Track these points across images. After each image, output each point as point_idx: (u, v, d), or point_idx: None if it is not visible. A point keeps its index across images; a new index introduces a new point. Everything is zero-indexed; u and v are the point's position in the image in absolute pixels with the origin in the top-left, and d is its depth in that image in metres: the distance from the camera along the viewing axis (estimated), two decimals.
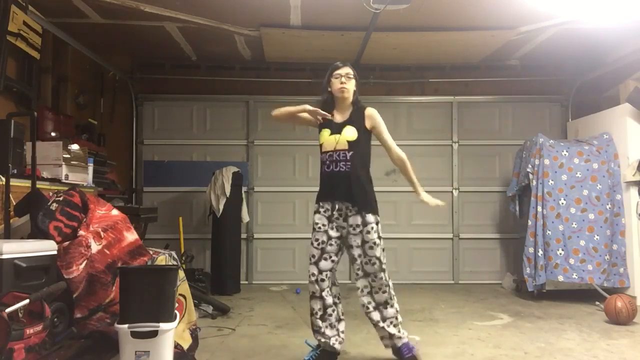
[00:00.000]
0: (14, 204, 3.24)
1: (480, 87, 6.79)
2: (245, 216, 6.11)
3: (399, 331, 3.25)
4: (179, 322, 2.96)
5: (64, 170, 4.07)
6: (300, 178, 6.69)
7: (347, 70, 3.30)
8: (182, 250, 5.61)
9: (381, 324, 3.24)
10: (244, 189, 6.25)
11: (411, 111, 6.75)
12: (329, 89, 3.35)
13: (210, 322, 4.42)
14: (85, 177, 4.46)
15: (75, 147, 4.37)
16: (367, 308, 3.25)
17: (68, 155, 4.17)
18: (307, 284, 3.30)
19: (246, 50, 6.21)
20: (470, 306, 5.18)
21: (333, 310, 3.27)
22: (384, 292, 3.22)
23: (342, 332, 3.32)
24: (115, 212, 3.29)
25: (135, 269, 2.94)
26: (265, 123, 6.75)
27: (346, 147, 3.20)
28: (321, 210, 3.26)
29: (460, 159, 6.76)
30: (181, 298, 3.25)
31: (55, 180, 3.96)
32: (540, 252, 5.33)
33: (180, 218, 5.80)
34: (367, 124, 3.28)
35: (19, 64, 4.58)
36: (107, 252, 3.03)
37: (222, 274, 5.77)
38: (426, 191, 3.35)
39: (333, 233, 3.23)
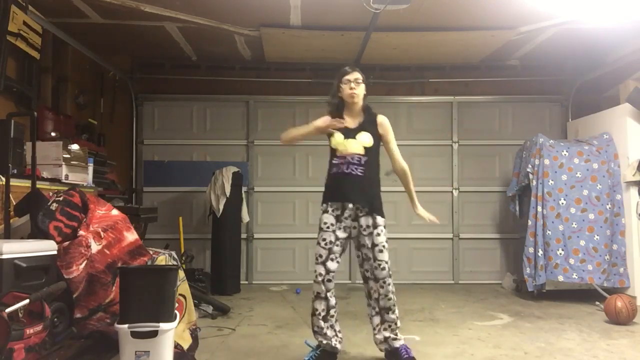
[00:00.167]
0: (14, 204, 3.24)
1: (480, 87, 6.79)
2: (245, 216, 6.11)
3: (397, 335, 3.28)
4: (179, 322, 2.96)
5: (64, 170, 4.07)
6: (300, 178, 6.69)
7: (355, 75, 3.30)
8: (182, 250, 5.61)
9: (381, 328, 3.26)
10: (244, 189, 6.25)
11: (411, 111, 6.76)
12: (339, 94, 3.35)
13: (210, 322, 4.41)
14: (85, 177, 4.46)
15: (75, 147, 4.37)
16: (371, 312, 3.32)
17: (68, 155, 4.17)
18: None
19: (246, 50, 6.21)
20: (470, 306, 5.18)
21: (335, 312, 3.29)
22: (390, 298, 3.24)
23: (340, 331, 3.35)
24: (115, 212, 3.29)
25: (135, 269, 2.94)
26: (265, 123, 6.75)
27: (362, 153, 3.24)
28: (329, 209, 3.26)
29: (460, 159, 6.76)
30: (181, 298, 3.25)
31: (55, 180, 3.96)
32: (540, 252, 5.33)
33: (180, 218, 5.80)
34: (379, 131, 3.32)
35: (19, 64, 4.58)
36: (107, 252, 3.03)
37: (222, 274, 5.77)
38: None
39: (340, 234, 3.24)
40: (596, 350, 3.63)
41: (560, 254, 5.28)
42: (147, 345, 2.60)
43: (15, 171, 3.42)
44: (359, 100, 3.31)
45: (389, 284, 3.22)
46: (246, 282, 6.52)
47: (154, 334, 2.60)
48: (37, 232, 3.00)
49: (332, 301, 3.26)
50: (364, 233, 3.22)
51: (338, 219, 3.24)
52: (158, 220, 5.39)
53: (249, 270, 6.62)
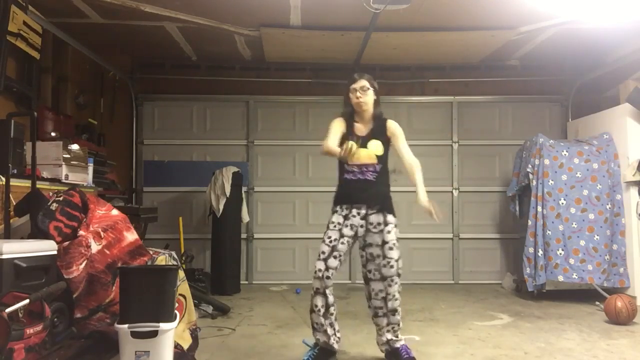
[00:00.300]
0: (14, 204, 3.24)
1: (480, 87, 6.79)
2: (245, 216, 6.11)
3: (397, 336, 3.29)
4: (179, 322, 2.96)
5: (64, 170, 4.07)
6: (300, 178, 6.69)
7: (362, 83, 3.30)
8: (182, 250, 5.61)
9: (384, 330, 3.26)
10: (244, 189, 6.25)
11: (411, 111, 6.76)
12: (350, 102, 3.36)
13: (210, 322, 4.42)
14: (85, 177, 4.46)
15: (75, 147, 4.37)
16: (377, 313, 3.27)
17: (68, 155, 4.17)
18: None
19: (246, 50, 6.21)
20: (470, 306, 5.18)
21: (334, 309, 3.29)
22: (397, 299, 3.24)
23: (339, 330, 3.34)
24: (115, 212, 3.29)
25: (135, 269, 2.94)
26: (265, 123, 6.76)
27: (375, 162, 3.26)
28: (338, 210, 3.28)
29: (460, 159, 6.76)
30: (181, 298, 3.25)
31: (55, 180, 3.96)
32: (540, 252, 5.33)
33: (180, 218, 5.80)
34: (388, 136, 3.33)
35: (19, 64, 4.58)
36: (107, 252, 3.03)
37: (222, 274, 5.77)
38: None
39: (347, 231, 3.24)
40: (596, 350, 3.63)
41: (560, 254, 5.28)
42: (147, 345, 2.60)
43: (15, 171, 3.42)
44: (368, 108, 3.32)
45: (396, 283, 3.21)
46: (246, 282, 6.52)
47: (154, 334, 2.60)
48: (37, 232, 3.00)
49: (331, 299, 3.25)
50: (374, 230, 3.22)
51: (346, 217, 3.25)
52: (158, 220, 5.40)
53: (249, 270, 6.62)
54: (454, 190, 6.72)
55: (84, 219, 3.10)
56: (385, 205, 3.26)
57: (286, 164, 6.73)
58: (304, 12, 5.01)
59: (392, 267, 3.19)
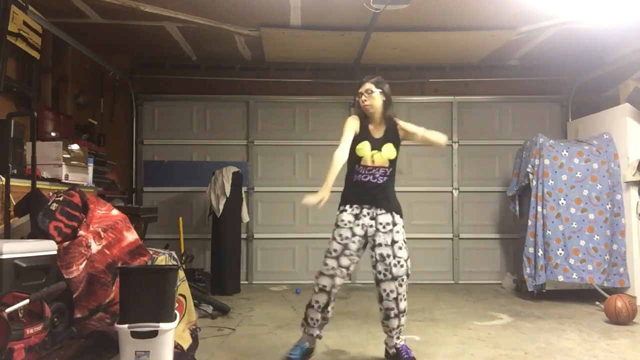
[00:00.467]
0: (14, 204, 3.24)
1: (480, 87, 6.79)
2: (245, 216, 6.11)
3: (399, 338, 3.29)
4: (179, 322, 2.96)
5: (64, 170, 4.07)
6: (300, 178, 6.69)
7: (367, 86, 3.31)
8: (182, 250, 5.61)
9: (394, 332, 3.24)
10: (244, 189, 6.25)
11: (411, 111, 6.75)
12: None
13: (210, 322, 4.41)
14: (85, 177, 4.45)
15: (75, 147, 4.37)
16: (389, 315, 3.22)
17: (68, 155, 4.16)
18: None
19: (246, 50, 6.21)
20: (470, 306, 5.18)
21: (332, 309, 3.30)
22: (406, 299, 3.24)
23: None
24: (115, 212, 3.29)
25: (135, 269, 2.94)
26: (265, 123, 6.76)
27: (387, 165, 3.28)
28: (348, 209, 3.28)
29: (460, 159, 6.77)
30: (181, 298, 3.25)
31: (55, 180, 3.96)
32: (540, 252, 5.33)
33: (180, 218, 5.80)
34: (401, 135, 3.34)
35: (19, 64, 4.57)
36: (107, 252, 3.03)
37: (222, 274, 5.77)
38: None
39: (358, 230, 3.24)
40: (596, 350, 3.63)
41: (560, 254, 5.28)
42: (147, 345, 2.59)
43: (15, 171, 3.42)
44: (375, 110, 3.32)
45: (406, 283, 3.22)
46: (246, 282, 6.52)
47: (154, 334, 2.60)
48: (37, 232, 3.00)
49: (333, 297, 3.26)
50: (383, 230, 3.22)
51: (357, 216, 3.26)
52: (158, 220, 5.39)
53: (249, 270, 6.62)
54: (454, 190, 6.72)
55: (84, 219, 3.10)
56: (393, 206, 3.28)
57: (286, 164, 6.73)
58: (304, 12, 5.01)
59: (402, 266, 3.19)
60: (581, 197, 5.38)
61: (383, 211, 3.25)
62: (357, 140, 3.28)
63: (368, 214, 3.26)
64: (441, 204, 6.71)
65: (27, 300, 2.43)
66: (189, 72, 6.73)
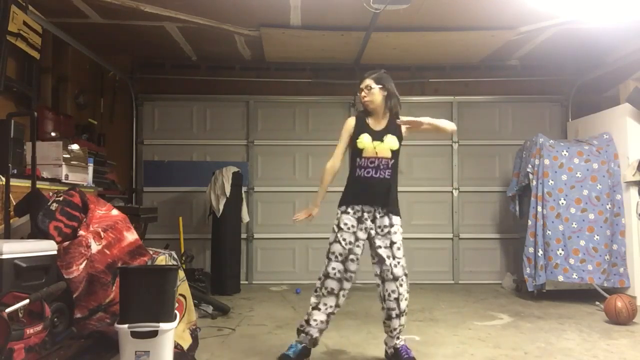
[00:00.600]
0: (14, 204, 3.24)
1: (480, 87, 6.79)
2: (245, 216, 6.10)
3: (398, 338, 3.29)
4: (179, 322, 2.96)
5: (64, 170, 4.07)
6: (300, 178, 6.69)
7: (366, 82, 3.32)
8: (182, 250, 5.61)
9: (395, 333, 3.24)
10: (244, 189, 6.25)
11: (411, 111, 6.67)
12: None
13: (210, 322, 4.41)
14: (85, 177, 4.45)
15: (75, 147, 4.37)
16: (390, 315, 3.22)
17: (68, 155, 4.16)
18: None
19: (246, 50, 6.21)
20: (470, 306, 5.18)
21: (336, 312, 3.30)
22: (406, 299, 3.24)
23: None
24: (115, 212, 3.29)
25: (135, 269, 2.94)
26: (265, 123, 6.76)
27: (389, 156, 3.27)
28: (350, 211, 3.26)
29: (460, 159, 6.76)
30: (181, 298, 3.25)
31: (55, 180, 3.96)
32: (540, 252, 5.33)
33: (180, 218, 5.80)
34: (404, 132, 3.34)
35: (19, 64, 4.58)
36: (107, 252, 3.03)
37: (222, 274, 5.77)
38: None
39: (361, 234, 3.25)
40: (596, 350, 3.63)
41: (560, 254, 5.28)
42: (147, 345, 2.60)
43: (15, 171, 3.41)
44: (374, 106, 3.32)
45: (406, 283, 3.23)
46: (246, 282, 6.51)
47: (154, 334, 2.60)
48: (37, 232, 3.00)
49: (342, 301, 3.26)
50: (381, 233, 3.23)
51: (360, 220, 3.25)
52: (158, 220, 5.39)
53: (249, 270, 6.62)
54: (454, 190, 6.72)
55: (84, 219, 3.10)
56: (393, 207, 3.27)
57: (286, 164, 6.73)
58: (304, 12, 5.01)
59: (402, 266, 3.22)
60: (581, 197, 5.38)
61: (382, 213, 3.25)
62: (355, 135, 3.30)
63: (369, 217, 3.25)
64: (441, 204, 6.71)
65: (27, 300, 2.43)
66: (189, 72, 6.72)
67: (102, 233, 3.06)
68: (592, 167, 5.43)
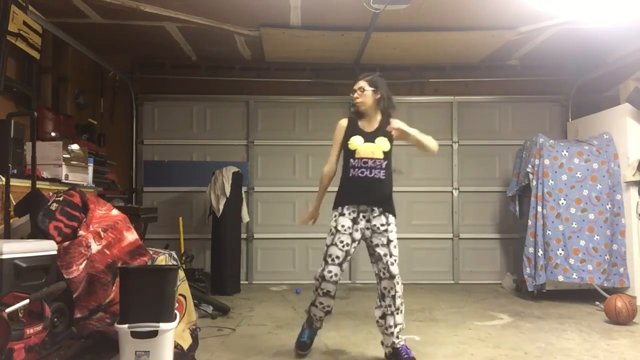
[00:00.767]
0: (14, 204, 3.24)
1: (480, 87, 6.79)
2: (245, 216, 6.11)
3: (398, 337, 3.30)
4: (179, 322, 2.96)
5: (64, 170, 4.07)
6: (300, 178, 6.69)
7: (360, 84, 3.38)
8: (182, 250, 5.61)
9: (391, 330, 3.26)
10: (244, 189, 6.25)
11: (411, 111, 6.75)
12: None
13: (210, 322, 4.41)
14: (85, 177, 4.46)
15: (75, 147, 4.37)
16: (386, 312, 3.27)
17: (68, 155, 4.17)
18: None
19: (246, 50, 6.22)
20: (470, 306, 5.18)
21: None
22: (400, 296, 3.28)
23: None
24: (115, 212, 3.29)
25: (135, 269, 2.94)
26: (265, 123, 6.76)
27: (382, 157, 3.30)
28: (346, 212, 3.29)
29: (460, 159, 6.76)
30: (181, 298, 3.25)
31: (55, 180, 3.96)
32: (540, 252, 5.33)
33: (180, 218, 5.80)
34: (394, 135, 3.34)
35: (19, 64, 4.58)
36: (107, 252, 3.03)
37: (222, 274, 5.77)
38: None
39: (357, 235, 3.30)
40: (596, 350, 3.63)
41: (560, 254, 5.28)
42: (147, 345, 2.59)
43: (15, 171, 3.42)
44: (366, 108, 3.37)
45: (400, 280, 3.29)
46: (246, 282, 6.52)
47: (154, 334, 2.60)
48: (37, 232, 3.00)
49: (335, 298, 3.41)
50: (378, 232, 3.27)
51: (354, 221, 3.29)
52: (158, 220, 5.38)
53: (249, 270, 6.62)
54: (454, 190, 6.72)
55: (84, 219, 3.10)
56: (388, 206, 3.32)
57: (286, 164, 6.73)
58: (304, 12, 5.01)
59: (398, 264, 3.28)
60: (581, 197, 5.38)
61: (377, 213, 3.28)
62: (347, 137, 3.36)
63: (364, 217, 3.29)
64: (441, 204, 6.71)
65: (27, 300, 2.43)
66: (189, 72, 6.72)
67: (102, 233, 3.06)
68: (592, 167, 5.43)
